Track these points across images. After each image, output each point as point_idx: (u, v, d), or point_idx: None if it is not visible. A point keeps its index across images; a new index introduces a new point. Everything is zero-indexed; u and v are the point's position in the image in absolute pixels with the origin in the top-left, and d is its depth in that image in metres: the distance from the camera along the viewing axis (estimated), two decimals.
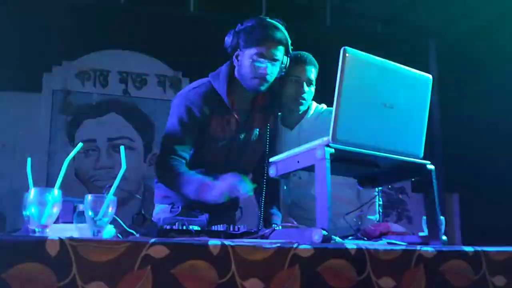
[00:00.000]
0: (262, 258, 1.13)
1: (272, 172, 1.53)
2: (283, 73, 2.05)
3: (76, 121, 4.36)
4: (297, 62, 2.21)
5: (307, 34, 4.80)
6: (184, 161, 2.02)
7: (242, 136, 2.09)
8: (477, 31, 4.96)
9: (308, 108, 2.32)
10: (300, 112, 2.29)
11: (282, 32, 1.99)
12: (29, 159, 1.26)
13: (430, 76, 1.58)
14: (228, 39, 2.03)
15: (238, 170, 1.93)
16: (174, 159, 2.00)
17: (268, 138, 2.13)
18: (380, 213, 2.58)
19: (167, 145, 2.05)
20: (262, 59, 1.95)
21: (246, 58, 1.97)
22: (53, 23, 4.22)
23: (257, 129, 2.13)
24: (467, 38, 5.07)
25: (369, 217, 2.52)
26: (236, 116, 2.05)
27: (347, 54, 1.38)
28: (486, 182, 4.47)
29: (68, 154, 1.19)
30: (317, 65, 2.30)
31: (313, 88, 2.28)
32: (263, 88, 2.01)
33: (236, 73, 2.06)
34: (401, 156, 1.51)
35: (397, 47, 4.81)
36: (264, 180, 1.96)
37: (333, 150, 1.35)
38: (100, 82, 4.42)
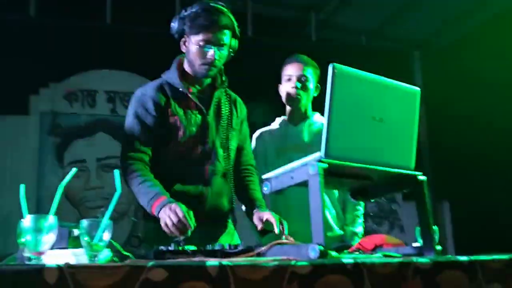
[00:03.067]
0: (261, 277, 1.13)
1: (266, 188, 1.54)
2: (232, 55, 2.07)
3: (65, 143, 4.33)
4: (288, 63, 2.54)
5: (293, 49, 4.86)
6: (142, 162, 1.95)
7: (208, 120, 2.04)
8: (461, 41, 5.04)
9: (306, 112, 2.56)
10: (299, 106, 2.53)
11: (227, 16, 1.99)
12: (22, 186, 1.25)
13: (418, 89, 1.61)
14: (174, 25, 2.03)
15: (213, 158, 2.00)
16: (134, 163, 1.93)
17: (232, 121, 2.11)
18: (363, 227, 2.62)
19: (125, 147, 1.99)
20: (209, 45, 1.96)
21: (192, 44, 1.98)
22: (39, 45, 4.21)
23: (225, 113, 2.10)
24: (451, 48, 5.15)
25: (351, 228, 2.55)
26: (194, 100, 2.03)
27: (335, 70, 1.41)
28: (476, 189, 4.52)
29: (57, 177, 1.19)
30: (309, 63, 2.55)
31: (308, 84, 2.51)
32: (211, 73, 2.01)
33: (186, 58, 2.07)
34: (393, 168, 1.53)
35: (382, 59, 4.87)
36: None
37: (326, 165, 1.36)
38: (88, 103, 4.42)
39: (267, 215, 1.92)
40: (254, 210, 2.02)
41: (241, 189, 2.14)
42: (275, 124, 2.67)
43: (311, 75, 2.53)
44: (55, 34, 4.29)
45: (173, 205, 1.75)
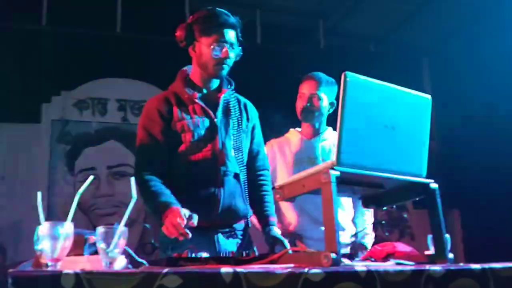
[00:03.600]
0: (274, 284, 1.14)
1: (278, 196, 1.55)
2: (240, 55, 2.10)
3: (76, 150, 4.37)
4: (304, 80, 2.67)
5: (301, 57, 4.89)
6: (154, 172, 1.99)
7: (216, 122, 2.07)
8: (470, 46, 5.03)
9: (319, 128, 2.69)
10: (311, 123, 2.66)
11: (234, 18, 2.07)
12: (39, 193, 1.27)
13: (429, 97, 1.61)
14: (181, 33, 2.07)
15: (224, 159, 2.02)
16: (145, 174, 1.98)
17: (242, 123, 2.13)
18: (372, 236, 2.66)
19: (137, 159, 2.07)
20: (221, 44, 2.01)
21: (204, 47, 2.03)
22: (51, 54, 4.26)
23: (234, 115, 2.13)
24: (460, 54, 5.14)
25: (359, 241, 2.60)
26: (200, 103, 2.06)
27: (347, 79, 1.41)
28: (486, 197, 4.49)
29: (68, 184, 1.20)
30: (323, 81, 2.65)
31: (321, 102, 2.63)
32: (224, 72, 2.07)
33: (195, 64, 2.10)
34: (405, 176, 1.53)
35: (391, 65, 4.88)
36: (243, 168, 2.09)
37: (338, 173, 1.37)
38: (99, 111, 4.45)
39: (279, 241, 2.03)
40: (267, 229, 2.10)
41: (256, 197, 2.16)
42: (291, 136, 2.78)
43: (325, 93, 2.64)
44: (66, 42, 4.34)
45: (175, 212, 1.81)
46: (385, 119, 1.48)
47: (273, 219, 2.14)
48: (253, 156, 2.20)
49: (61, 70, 4.30)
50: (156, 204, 1.92)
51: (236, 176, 2.08)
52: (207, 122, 2.05)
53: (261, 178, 2.22)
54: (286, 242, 2.04)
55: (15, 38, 4.23)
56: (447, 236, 1.63)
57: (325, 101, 2.64)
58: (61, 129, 4.35)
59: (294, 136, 2.75)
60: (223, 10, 2.07)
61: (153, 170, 2.00)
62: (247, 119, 2.18)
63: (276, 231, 2.10)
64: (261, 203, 2.16)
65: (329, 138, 2.70)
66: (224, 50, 2.01)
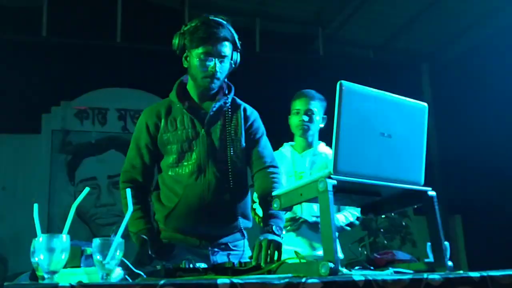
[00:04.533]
0: None
1: (276, 205, 1.55)
2: (233, 67, 2.07)
3: (76, 160, 4.38)
4: (297, 97, 2.80)
5: (301, 64, 4.90)
6: (134, 184, 2.02)
7: (203, 133, 2.02)
8: (469, 52, 5.04)
9: (312, 142, 2.80)
10: (306, 136, 2.78)
11: (227, 29, 2.01)
12: (35, 205, 1.27)
13: (426, 104, 1.61)
14: (175, 41, 2.05)
15: (211, 170, 1.98)
16: (125, 186, 2.01)
17: (236, 131, 2.07)
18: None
19: (122, 170, 2.09)
20: (210, 58, 1.97)
21: (194, 58, 2.00)
22: (51, 64, 4.28)
23: (226, 124, 2.07)
24: (459, 60, 5.15)
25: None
26: (189, 114, 2.03)
27: (343, 88, 1.41)
28: (487, 202, 4.48)
29: (68, 194, 1.21)
30: (315, 97, 2.79)
31: (314, 116, 2.77)
32: (214, 86, 2.03)
33: (188, 73, 2.08)
34: (402, 184, 1.53)
35: (390, 72, 4.89)
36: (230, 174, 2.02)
37: (335, 182, 1.37)
38: (99, 120, 4.47)
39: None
40: (264, 229, 1.95)
41: (265, 196, 2.04)
42: (284, 149, 2.86)
43: (318, 108, 2.78)
44: (66, 53, 4.37)
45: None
46: (381, 127, 1.48)
47: (275, 218, 2.00)
48: (258, 157, 2.11)
49: (61, 81, 4.32)
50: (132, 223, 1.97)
51: (224, 188, 2.01)
52: (193, 133, 2.02)
53: (273, 176, 2.09)
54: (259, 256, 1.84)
55: (15, 49, 4.25)
56: (446, 243, 1.62)
57: (318, 116, 2.78)
58: (61, 139, 4.36)
59: (287, 150, 2.84)
60: (217, 18, 2.01)
61: (134, 182, 2.03)
62: (245, 125, 2.11)
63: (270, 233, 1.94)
64: (267, 203, 2.02)
65: (321, 152, 2.80)
66: (211, 64, 1.97)
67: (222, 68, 2.00)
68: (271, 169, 2.10)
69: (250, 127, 2.12)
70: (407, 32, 5.12)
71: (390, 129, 1.50)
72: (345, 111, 1.41)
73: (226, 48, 2.00)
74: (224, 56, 1.99)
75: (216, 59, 1.97)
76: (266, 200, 1.99)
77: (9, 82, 4.12)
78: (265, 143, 2.16)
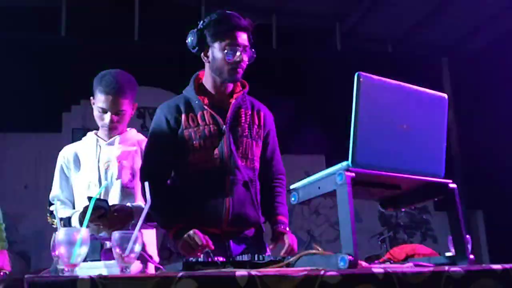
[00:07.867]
0: (290, 287, 1.13)
1: (293, 199, 1.54)
2: (254, 58, 2.07)
3: None
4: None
5: (319, 60, 4.86)
6: (156, 178, 1.96)
7: (224, 130, 2.03)
8: (489, 45, 4.96)
9: None
10: None
11: (245, 20, 2.04)
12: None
13: (446, 96, 1.58)
14: (192, 39, 2.05)
15: (232, 168, 1.99)
16: (146, 181, 1.99)
17: (252, 130, 2.09)
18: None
19: (142, 164, 2.10)
20: (235, 48, 1.99)
21: (217, 51, 2.00)
22: (70, 63, 4.33)
23: (244, 122, 2.09)
24: (480, 53, 5.07)
25: None
26: (210, 110, 2.03)
27: (361, 79, 1.40)
28: (510, 197, 4.40)
29: None
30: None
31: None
32: (239, 76, 2.04)
33: (208, 70, 2.08)
34: (422, 176, 1.50)
35: (409, 66, 4.83)
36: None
37: (353, 174, 1.35)
38: None
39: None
40: (274, 227, 2.08)
41: (267, 199, 2.14)
42: None
43: None
44: (85, 52, 4.41)
45: (191, 235, 1.85)
46: (400, 118, 1.46)
47: (282, 217, 2.09)
48: (266, 162, 2.16)
49: (80, 79, 4.35)
50: (159, 216, 1.98)
51: (246, 184, 2.04)
52: (215, 129, 2.02)
53: (275, 182, 2.19)
54: (287, 238, 2.00)
55: (35, 48, 4.30)
56: (468, 236, 1.59)
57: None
58: (82, 137, 4.40)
59: None
60: (233, 12, 2.05)
61: (155, 176, 1.98)
62: (260, 125, 2.14)
63: (282, 229, 2.06)
64: (272, 203, 2.13)
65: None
66: (237, 53, 1.99)
67: (246, 58, 2.03)
68: (278, 176, 2.22)
69: (264, 128, 2.16)
70: (426, 25, 5.06)
71: (409, 120, 1.47)
72: (363, 103, 1.39)
73: (248, 38, 2.04)
74: (247, 46, 2.03)
75: (241, 48, 2.00)
76: (271, 203, 2.14)
77: (30, 82, 4.18)
78: (275, 147, 2.23)
